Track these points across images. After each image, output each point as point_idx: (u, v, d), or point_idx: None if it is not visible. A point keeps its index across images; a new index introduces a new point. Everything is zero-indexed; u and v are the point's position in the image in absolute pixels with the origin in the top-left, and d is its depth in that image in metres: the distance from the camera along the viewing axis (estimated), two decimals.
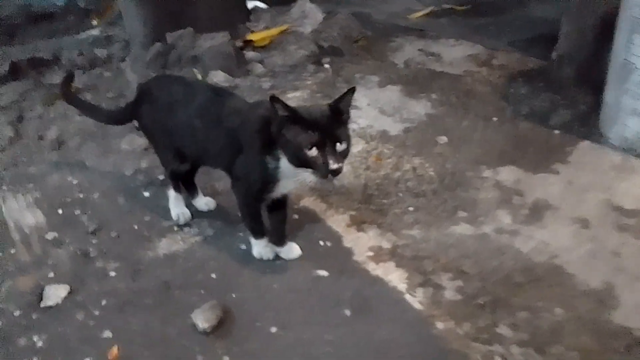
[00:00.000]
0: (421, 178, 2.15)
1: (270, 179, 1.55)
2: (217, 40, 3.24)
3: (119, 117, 2.14)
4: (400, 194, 2.07)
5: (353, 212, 1.99)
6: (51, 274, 1.77)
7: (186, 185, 2.03)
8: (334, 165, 1.37)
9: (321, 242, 1.85)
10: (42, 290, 1.69)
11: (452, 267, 1.70)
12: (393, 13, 4.13)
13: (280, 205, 1.73)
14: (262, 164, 1.53)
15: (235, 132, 1.59)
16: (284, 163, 1.49)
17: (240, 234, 1.90)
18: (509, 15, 3.95)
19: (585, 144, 2.26)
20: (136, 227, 2.00)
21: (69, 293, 1.68)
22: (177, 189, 1.98)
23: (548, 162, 2.17)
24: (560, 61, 2.91)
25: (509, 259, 1.71)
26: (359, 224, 1.93)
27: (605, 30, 2.65)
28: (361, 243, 1.84)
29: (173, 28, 3.26)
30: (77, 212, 2.10)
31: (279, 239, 1.78)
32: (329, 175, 1.39)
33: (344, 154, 1.43)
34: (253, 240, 1.78)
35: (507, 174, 2.12)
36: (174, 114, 1.73)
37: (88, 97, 3.02)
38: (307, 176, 1.44)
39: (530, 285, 1.60)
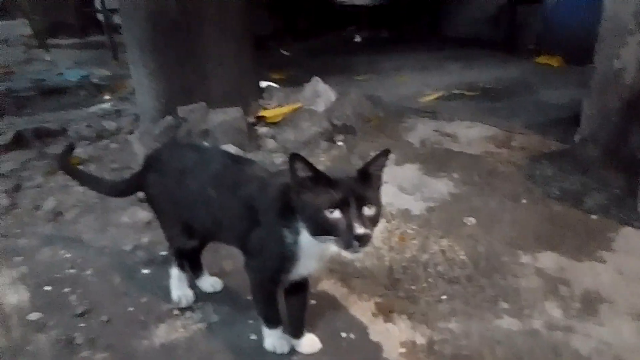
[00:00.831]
0: (452, 262, 1.94)
1: (288, 255, 1.33)
2: (229, 114, 3.18)
3: (122, 188, 1.95)
4: (431, 280, 1.85)
5: (379, 299, 1.76)
6: None
7: (191, 263, 1.81)
8: (359, 230, 1.15)
9: (344, 334, 1.61)
10: None
11: None
12: (403, 96, 4.15)
13: (300, 289, 1.51)
14: (279, 237, 1.33)
15: (252, 200, 1.40)
16: (305, 237, 1.29)
17: (251, 321, 1.66)
18: (519, 100, 3.97)
19: (628, 230, 2.08)
20: (131, 309, 1.76)
21: None
22: (181, 267, 1.76)
23: (591, 249, 1.97)
24: (584, 144, 2.82)
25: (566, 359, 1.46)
26: (386, 313, 1.69)
27: (630, 111, 2.59)
28: (391, 336, 1.59)
29: (185, 103, 3.21)
30: (66, 290, 1.86)
31: (296, 330, 1.54)
32: (354, 243, 1.16)
33: (373, 220, 1.21)
34: (266, 330, 1.53)
35: (548, 261, 1.92)
36: (185, 182, 1.55)
37: (92, 168, 2.93)
38: (329, 245, 1.22)
39: None
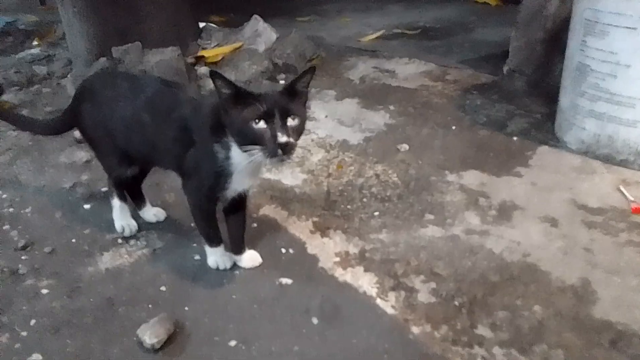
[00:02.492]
0: (385, 184, 2.07)
1: (221, 171, 1.40)
2: (166, 54, 3.11)
3: (55, 125, 1.93)
4: (365, 200, 1.97)
5: (316, 219, 1.87)
6: None
7: (132, 195, 1.84)
8: (282, 138, 1.22)
9: (283, 250, 1.71)
10: None
11: (424, 269, 1.60)
12: (345, 37, 4.17)
13: (238, 208, 1.59)
14: (212, 154, 1.39)
15: (186, 121, 1.44)
16: (235, 151, 1.36)
17: (194, 244, 1.73)
18: (456, 38, 4.09)
19: (544, 149, 2.27)
20: (74, 241, 1.79)
21: None
22: (122, 198, 1.79)
23: (510, 166, 2.15)
24: (511, 75, 2.99)
25: (481, 259, 1.63)
26: (323, 230, 1.80)
27: (553, 42, 2.75)
28: (327, 249, 1.71)
29: (119, 44, 3.11)
30: (6, 227, 1.86)
31: (237, 247, 1.63)
32: (278, 152, 1.23)
33: (298, 130, 1.28)
34: (208, 249, 1.61)
35: (471, 178, 2.08)
36: (120, 110, 1.57)
37: (24, 112, 2.82)
38: (256, 156, 1.28)
39: (506, 284, 1.52)
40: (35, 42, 4.15)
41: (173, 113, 1.47)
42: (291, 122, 1.28)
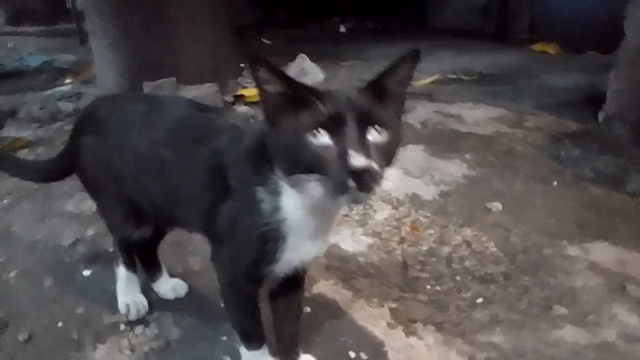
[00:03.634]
0: (482, 255, 1.54)
1: (270, 232, 0.89)
2: (203, 91, 2.75)
3: (50, 168, 1.40)
4: (458, 278, 1.44)
5: (394, 305, 1.34)
6: None
7: (145, 261, 1.36)
8: (358, 161, 0.71)
9: (352, 354, 1.18)
10: None
11: None
12: None
13: (291, 291, 1.07)
14: (254, 204, 0.89)
15: (221, 156, 0.95)
16: (289, 196, 0.85)
17: (224, 337, 1.22)
18: (521, 84, 3.64)
19: None
20: (61, 324, 1.29)
21: None
22: (129, 266, 1.31)
23: None
24: (610, 122, 2.47)
25: None
26: (406, 322, 1.27)
27: None
28: (417, 355, 1.16)
29: (152, 78, 2.76)
30: None
31: (288, 350, 1.10)
32: (351, 183, 0.72)
33: (386, 151, 0.78)
34: (244, 352, 1.08)
35: (603, 252, 1.53)
36: (130, 143, 1.10)
37: (39, 150, 2.49)
38: (311, 188, 0.77)
39: None
40: (68, 80, 3.93)
41: (203, 146, 0.98)
42: (375, 136, 0.77)
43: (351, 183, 0.72)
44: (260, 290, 1.03)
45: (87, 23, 2.99)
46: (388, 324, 1.26)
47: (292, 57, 3.29)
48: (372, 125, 0.76)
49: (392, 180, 1.96)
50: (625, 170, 2.06)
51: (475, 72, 4.01)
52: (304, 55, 3.24)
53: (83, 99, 3.30)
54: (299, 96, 0.77)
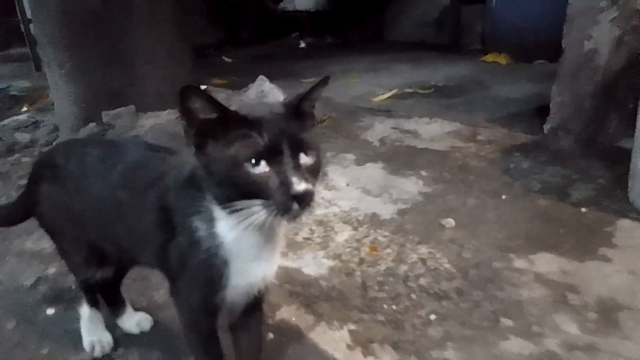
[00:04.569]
0: (436, 272, 1.61)
1: (211, 259, 0.93)
2: (162, 118, 2.75)
3: (6, 215, 1.42)
4: (414, 296, 1.51)
5: (354, 326, 1.39)
6: None
7: (108, 298, 1.38)
8: (299, 186, 0.79)
9: None
10: None
11: None
12: (355, 97, 3.87)
13: (251, 321, 1.12)
14: (193, 234, 0.93)
15: (167, 198, 0.99)
16: (223, 220, 0.90)
17: None
18: (475, 96, 3.80)
19: (624, 223, 1.84)
20: None
21: None
22: (92, 304, 1.32)
23: (591, 247, 1.71)
24: (555, 133, 2.62)
25: None
26: (365, 344, 1.33)
27: (605, 96, 2.40)
28: None
29: (111, 107, 2.76)
30: None
31: None
32: (293, 206, 0.80)
33: (314, 171, 0.86)
34: None
35: (547, 264, 1.63)
36: (88, 188, 1.12)
37: None
38: (254, 215, 0.82)
39: None
40: (24, 109, 3.85)
41: (152, 188, 1.02)
42: (305, 159, 0.84)
43: (295, 206, 0.79)
44: (221, 322, 1.07)
45: (41, 53, 2.95)
46: (347, 346, 1.32)
47: (253, 74, 3.34)
48: (303, 150, 0.83)
49: (353, 200, 2.04)
50: (570, 180, 2.19)
51: (431, 85, 4.15)
52: (264, 77, 3.28)
53: (40, 128, 3.26)
54: (232, 125, 0.82)
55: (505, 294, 1.49)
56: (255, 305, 1.09)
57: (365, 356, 1.28)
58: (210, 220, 0.92)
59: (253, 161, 0.81)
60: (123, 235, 1.10)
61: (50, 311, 1.52)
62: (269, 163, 0.81)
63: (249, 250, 0.94)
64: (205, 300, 0.99)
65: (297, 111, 0.87)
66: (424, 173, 2.36)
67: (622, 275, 1.55)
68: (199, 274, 0.96)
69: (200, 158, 0.86)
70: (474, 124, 3.03)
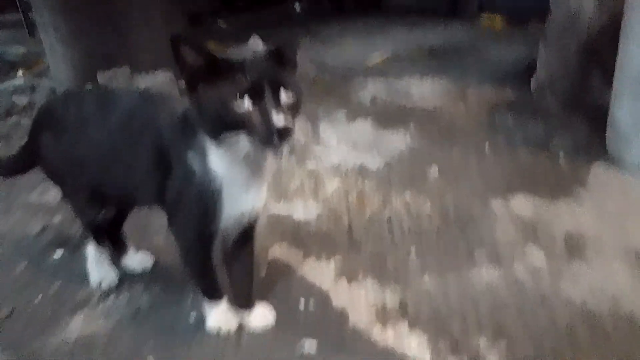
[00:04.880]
0: (418, 216, 1.73)
1: (206, 189, 1.04)
2: (157, 78, 2.82)
3: (11, 165, 1.54)
4: (396, 236, 1.63)
5: (339, 262, 1.51)
6: None
7: (111, 240, 1.49)
8: (279, 120, 0.89)
9: (302, 302, 1.35)
10: None
11: (487, 324, 1.24)
12: (349, 60, 3.91)
13: (243, 250, 1.23)
14: (188, 167, 1.04)
15: (163, 139, 1.10)
16: (213, 152, 1.01)
17: (189, 299, 1.37)
18: (468, 59, 3.83)
19: (598, 169, 1.94)
20: (37, 301, 1.42)
21: None
22: (98, 244, 1.44)
23: (564, 190, 1.81)
24: (542, 91, 2.69)
25: (559, 309, 1.27)
26: (349, 275, 1.45)
27: (589, 55, 2.47)
28: (357, 300, 1.35)
29: (106, 69, 2.83)
30: None
31: (244, 300, 1.27)
32: (274, 139, 0.90)
33: (294, 109, 0.95)
34: (207, 306, 1.25)
35: (522, 205, 1.74)
36: (88, 135, 1.22)
37: None
38: (240, 145, 0.94)
39: (600, 344, 1.16)
40: (19, 74, 3.90)
41: (149, 131, 1.12)
42: (285, 97, 0.93)
43: (275, 139, 0.89)
44: (215, 253, 1.19)
45: (36, 17, 3.00)
46: (334, 278, 1.44)
47: (247, 39, 3.39)
48: (282, 89, 0.93)
49: (342, 154, 2.14)
50: (551, 134, 2.28)
51: (425, 49, 4.19)
52: (257, 36, 3.32)
53: (37, 92, 3.32)
54: (219, 69, 0.92)
55: (480, 231, 1.61)
56: (246, 237, 1.21)
57: (349, 283, 1.40)
58: (203, 154, 1.02)
59: (238, 99, 0.91)
60: (123, 177, 1.21)
61: (56, 255, 1.64)
62: (252, 101, 0.91)
63: (238, 182, 1.05)
64: (201, 229, 1.10)
65: (279, 56, 0.96)
66: (412, 129, 2.45)
67: (591, 213, 1.66)
68: (194, 204, 1.07)
69: (192, 99, 0.96)
70: (464, 84, 3.09)
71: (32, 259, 1.61)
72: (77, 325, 1.32)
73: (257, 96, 0.91)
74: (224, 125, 0.93)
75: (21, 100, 3.10)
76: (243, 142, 0.94)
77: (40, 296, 1.43)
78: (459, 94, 2.95)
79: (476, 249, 1.52)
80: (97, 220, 1.36)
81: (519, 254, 1.48)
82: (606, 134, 2.07)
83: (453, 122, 2.52)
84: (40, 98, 3.15)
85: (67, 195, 1.39)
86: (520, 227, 1.61)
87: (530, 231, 1.58)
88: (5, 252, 1.66)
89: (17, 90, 3.33)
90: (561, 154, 2.08)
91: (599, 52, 2.42)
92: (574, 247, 1.50)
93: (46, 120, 1.32)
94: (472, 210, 1.74)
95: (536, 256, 1.47)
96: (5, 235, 1.76)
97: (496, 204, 1.76)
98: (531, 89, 2.76)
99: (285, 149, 0.94)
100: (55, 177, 1.38)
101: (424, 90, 3.04)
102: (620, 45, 1.95)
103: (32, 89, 3.40)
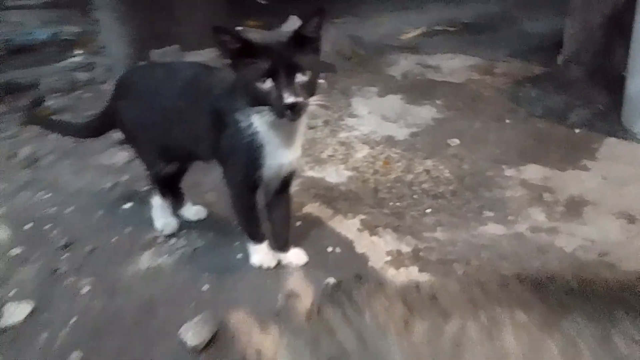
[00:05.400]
0: (437, 180, 1.93)
1: (252, 144, 1.30)
2: (204, 55, 3.07)
3: (94, 126, 1.84)
4: (416, 197, 1.84)
5: (364, 217, 1.74)
6: (13, 292, 1.49)
7: (172, 192, 1.77)
8: (288, 99, 1.13)
9: (330, 249, 1.60)
10: (1, 308, 1.41)
11: (487, 269, 1.45)
12: (384, 35, 4.05)
13: (282, 201, 1.49)
14: (237, 126, 1.30)
15: (217, 103, 1.36)
16: (255, 118, 1.27)
17: (237, 243, 1.64)
18: (502, 32, 3.92)
19: (611, 140, 2.08)
20: (114, 240, 1.72)
21: (32, 311, 1.41)
22: (162, 196, 1.72)
23: (575, 159, 1.97)
24: (567, 64, 2.80)
25: (552, 258, 1.47)
26: (372, 228, 1.68)
27: (613, 28, 2.55)
28: (377, 248, 1.59)
29: (158, 48, 3.10)
30: (47, 227, 1.82)
31: (281, 244, 1.53)
32: (287, 113, 1.15)
33: (309, 87, 1.18)
34: (251, 246, 1.52)
35: (533, 172, 1.91)
36: (157, 101, 1.49)
37: (66, 117, 2.83)
38: (266, 116, 1.20)
39: (585, 286, 1.36)
40: (77, 52, 4.23)
41: (206, 97, 1.39)
42: (300, 78, 1.17)
43: (288, 112, 1.15)
44: (258, 203, 1.45)
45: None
46: (358, 230, 1.68)
47: (287, 16, 3.58)
48: (298, 71, 1.16)
49: (372, 125, 2.35)
50: (572, 106, 2.41)
51: (459, 22, 4.27)
52: (295, 17, 3.52)
53: (96, 68, 3.65)
54: (249, 52, 1.16)
55: (491, 194, 1.81)
56: (284, 188, 1.47)
57: (371, 235, 1.64)
58: (248, 116, 1.28)
59: (262, 79, 1.16)
60: (186, 135, 1.48)
61: (126, 206, 1.94)
62: (272, 80, 1.16)
63: (276, 139, 1.30)
64: (248, 175, 1.36)
65: (299, 38, 1.18)
66: (438, 102, 2.62)
67: (595, 180, 1.83)
68: (243, 155, 1.33)
69: (236, 77, 1.23)
70: (494, 58, 3.22)
71: (106, 208, 1.92)
72: (147, 259, 1.62)
73: (276, 78, 1.15)
74: (253, 99, 1.20)
75: (82, 76, 3.43)
76: (267, 113, 1.20)
77: (116, 237, 1.74)
78: (488, 67, 3.09)
79: (485, 209, 1.73)
80: (162, 174, 1.64)
81: (523, 215, 1.67)
82: (622, 108, 2.19)
83: (478, 95, 2.67)
84: (99, 74, 3.47)
85: (139, 152, 1.69)
86: (528, 192, 1.79)
87: (537, 195, 1.77)
88: (84, 201, 1.97)
89: (78, 68, 3.67)
90: (578, 125, 2.21)
91: (623, 25, 2.50)
92: (573, 209, 1.68)
93: (123, 91, 1.61)
94: (486, 175, 1.93)
95: (538, 215, 1.66)
96: (82, 189, 2.08)
97: (509, 171, 1.94)
98: (557, 62, 2.85)
99: (298, 118, 1.20)
100: (130, 137, 1.67)
101: (453, 65, 3.19)
102: (636, 17, 2.04)
103: (91, 66, 3.73)
